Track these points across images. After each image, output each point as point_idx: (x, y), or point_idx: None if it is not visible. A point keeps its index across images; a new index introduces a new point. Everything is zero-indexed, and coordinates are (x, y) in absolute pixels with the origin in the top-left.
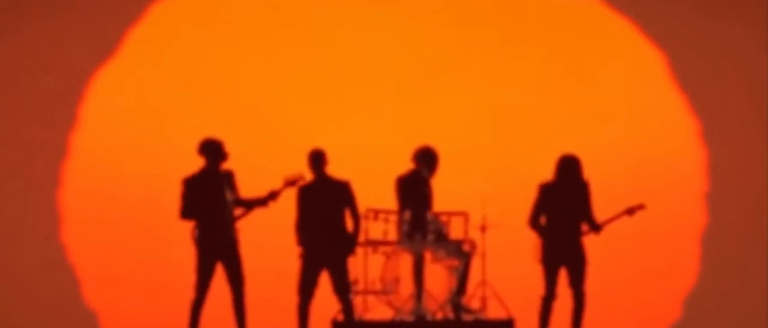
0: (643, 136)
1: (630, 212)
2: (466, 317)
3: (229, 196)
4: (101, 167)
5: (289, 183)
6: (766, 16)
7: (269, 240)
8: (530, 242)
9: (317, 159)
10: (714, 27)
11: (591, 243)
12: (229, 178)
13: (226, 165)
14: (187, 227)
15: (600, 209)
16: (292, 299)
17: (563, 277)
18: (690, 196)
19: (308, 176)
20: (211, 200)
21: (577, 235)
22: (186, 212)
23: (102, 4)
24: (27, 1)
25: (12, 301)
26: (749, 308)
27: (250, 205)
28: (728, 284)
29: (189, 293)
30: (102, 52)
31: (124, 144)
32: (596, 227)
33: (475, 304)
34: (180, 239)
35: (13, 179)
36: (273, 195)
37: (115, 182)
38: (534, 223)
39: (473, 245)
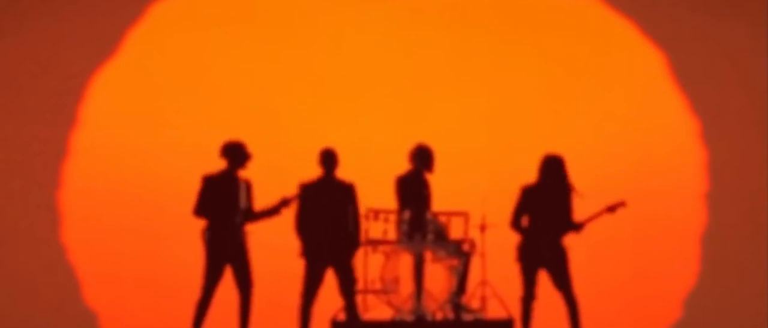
0: (643, 136)
1: (611, 209)
2: (466, 317)
3: (243, 202)
4: (101, 167)
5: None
6: (766, 16)
7: (270, 240)
8: (516, 240)
9: (329, 158)
10: (714, 27)
11: (591, 243)
12: (247, 186)
13: (247, 172)
14: (188, 227)
15: (591, 210)
16: (293, 298)
17: (547, 280)
18: (690, 196)
19: (313, 175)
20: (225, 203)
21: (557, 236)
22: (200, 210)
23: (102, 4)
24: (27, 1)
25: (12, 301)
26: (749, 308)
27: (263, 215)
28: (728, 284)
29: (189, 293)
30: (102, 52)
31: (124, 144)
32: (575, 227)
33: (474, 304)
34: (180, 239)
35: (13, 179)
36: (285, 202)
37: (115, 182)
38: (515, 224)
39: (473, 245)
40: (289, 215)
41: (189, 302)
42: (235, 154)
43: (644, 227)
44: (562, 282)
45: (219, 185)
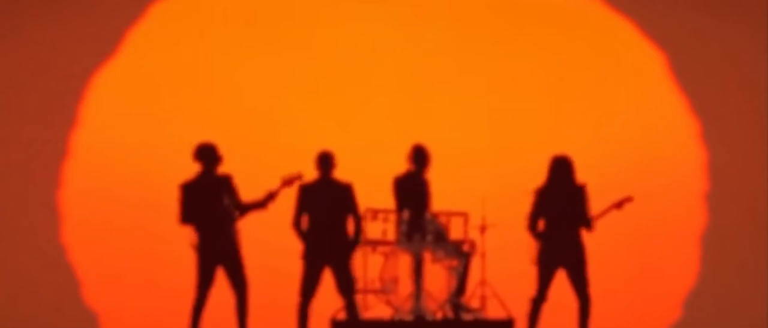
0: (643, 137)
1: (618, 205)
2: (466, 317)
3: (226, 200)
4: (101, 167)
5: (287, 183)
6: (766, 16)
7: (269, 240)
8: (528, 243)
9: (325, 161)
10: (714, 27)
11: (591, 243)
12: (227, 182)
13: (223, 167)
14: (187, 227)
15: (597, 208)
16: (292, 298)
17: (559, 280)
18: (690, 196)
19: (311, 175)
20: (208, 205)
21: (575, 235)
22: (185, 218)
23: (102, 4)
24: (27, 1)
25: (12, 301)
26: (749, 308)
27: (250, 208)
28: (728, 284)
29: (189, 293)
30: (102, 52)
31: (124, 144)
32: (588, 224)
33: (474, 303)
34: (180, 240)
35: (13, 179)
36: (271, 196)
37: (115, 182)
38: (532, 228)
39: (473, 245)
40: (287, 212)
41: (189, 302)
42: (208, 156)
43: (644, 227)
44: (579, 282)
45: (198, 189)
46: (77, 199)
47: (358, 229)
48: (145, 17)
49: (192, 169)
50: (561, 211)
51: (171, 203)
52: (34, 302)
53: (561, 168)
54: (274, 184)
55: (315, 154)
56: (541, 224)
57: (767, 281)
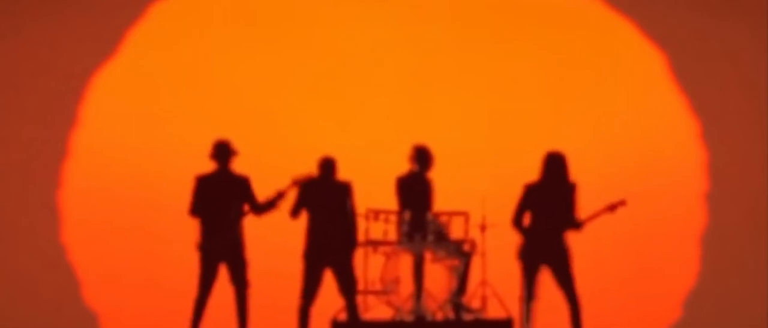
0: (643, 137)
1: (612, 208)
2: (467, 317)
3: (237, 200)
4: (101, 167)
5: (297, 183)
6: (766, 16)
7: (270, 241)
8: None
9: (327, 166)
10: (714, 27)
11: (590, 242)
12: (243, 184)
13: (238, 164)
14: (188, 227)
15: (589, 208)
16: (292, 299)
17: (550, 278)
18: (690, 196)
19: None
20: (218, 202)
21: (559, 233)
22: (195, 209)
23: (102, 4)
24: (27, 1)
25: (12, 301)
26: (749, 308)
27: (264, 209)
28: (728, 284)
29: (189, 293)
30: (102, 52)
31: (124, 144)
32: (576, 225)
33: (475, 304)
34: (180, 239)
35: (13, 179)
36: (281, 195)
37: (115, 182)
38: (516, 222)
39: (473, 245)
40: (286, 214)
41: (189, 302)
42: (222, 152)
43: (644, 227)
44: (565, 281)
45: (212, 184)
46: (77, 199)
47: (354, 228)
48: (145, 17)
49: (191, 168)
50: (549, 209)
51: (171, 202)
52: (34, 302)
53: (554, 165)
54: (275, 183)
55: (317, 157)
56: (526, 220)
57: (767, 281)
